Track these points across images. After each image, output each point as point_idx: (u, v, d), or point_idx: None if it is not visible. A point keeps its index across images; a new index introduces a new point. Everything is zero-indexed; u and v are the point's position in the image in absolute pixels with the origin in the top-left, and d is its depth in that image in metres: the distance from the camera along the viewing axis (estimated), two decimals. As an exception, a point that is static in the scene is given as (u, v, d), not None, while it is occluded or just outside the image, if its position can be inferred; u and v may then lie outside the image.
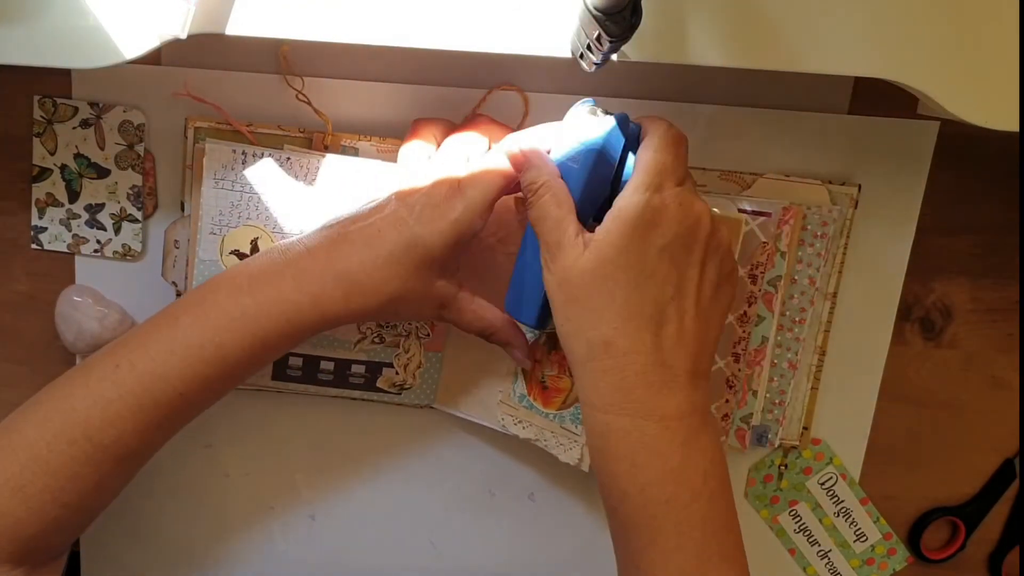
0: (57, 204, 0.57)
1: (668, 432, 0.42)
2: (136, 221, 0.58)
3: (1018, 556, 0.65)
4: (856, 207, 0.57)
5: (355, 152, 0.55)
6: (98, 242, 0.58)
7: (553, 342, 0.55)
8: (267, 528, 0.63)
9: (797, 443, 0.61)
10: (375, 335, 0.58)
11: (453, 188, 0.47)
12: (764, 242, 0.55)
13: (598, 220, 0.44)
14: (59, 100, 0.56)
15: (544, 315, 0.47)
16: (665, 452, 0.42)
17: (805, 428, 0.60)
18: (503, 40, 0.45)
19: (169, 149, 0.56)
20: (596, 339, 0.42)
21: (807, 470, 0.62)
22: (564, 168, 0.46)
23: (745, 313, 0.56)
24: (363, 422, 0.61)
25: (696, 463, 0.43)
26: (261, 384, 0.58)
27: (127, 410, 0.45)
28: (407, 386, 0.59)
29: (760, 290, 0.56)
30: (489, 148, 0.50)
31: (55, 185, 0.57)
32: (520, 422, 0.57)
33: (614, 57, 0.42)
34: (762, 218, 0.55)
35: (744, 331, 0.56)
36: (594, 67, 0.43)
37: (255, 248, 0.54)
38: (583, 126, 0.46)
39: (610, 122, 0.45)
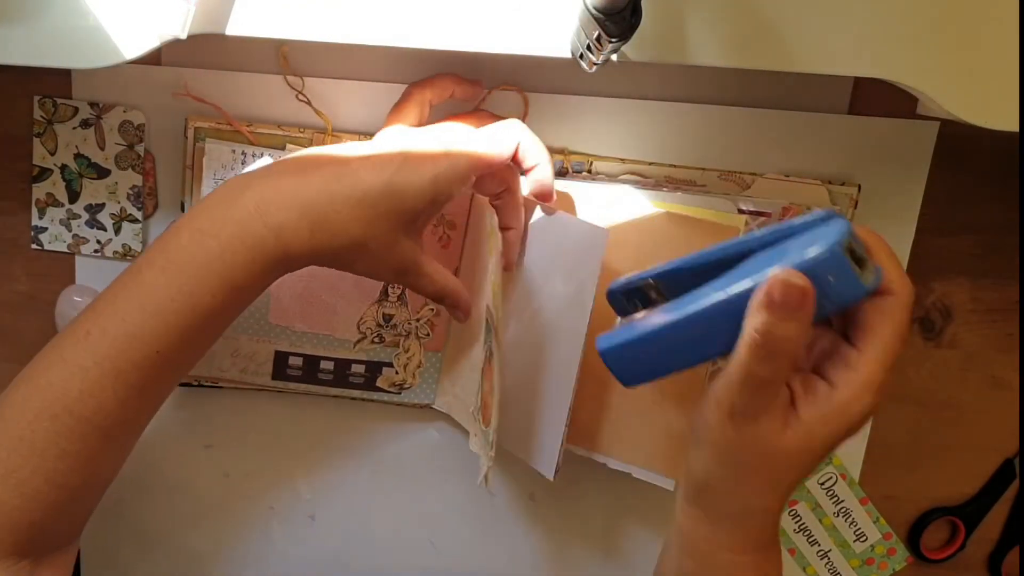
0: (57, 204, 0.57)
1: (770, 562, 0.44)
2: (136, 221, 0.58)
3: (1018, 556, 0.65)
4: (856, 207, 0.57)
5: (355, 152, 0.55)
6: (98, 242, 0.58)
7: (490, 358, 0.54)
8: (267, 528, 0.63)
9: (797, 443, 0.61)
10: (375, 335, 0.58)
11: (441, 148, 0.46)
12: (764, 242, 0.55)
13: None
14: (59, 100, 0.56)
15: (644, 382, 0.42)
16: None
17: (805, 428, 0.60)
18: (503, 40, 0.45)
19: (169, 149, 0.56)
20: (758, 505, 0.42)
21: (807, 470, 0.62)
22: None
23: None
24: (363, 422, 0.61)
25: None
26: (261, 384, 0.58)
27: (105, 377, 0.43)
28: (407, 386, 0.59)
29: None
30: (451, 97, 0.51)
31: (55, 185, 0.57)
32: (474, 435, 0.56)
33: (614, 57, 0.42)
34: (762, 218, 0.55)
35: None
36: (594, 67, 0.43)
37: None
38: (847, 271, 0.36)
39: (874, 282, 0.37)
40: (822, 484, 0.63)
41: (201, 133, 0.55)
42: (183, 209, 0.57)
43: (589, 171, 0.57)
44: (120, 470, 0.48)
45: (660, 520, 0.63)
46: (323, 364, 0.58)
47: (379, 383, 0.59)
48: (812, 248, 0.36)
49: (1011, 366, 0.62)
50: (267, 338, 0.57)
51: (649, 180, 0.56)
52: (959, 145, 0.57)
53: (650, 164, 0.56)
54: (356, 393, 0.59)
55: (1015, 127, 0.46)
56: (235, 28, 0.45)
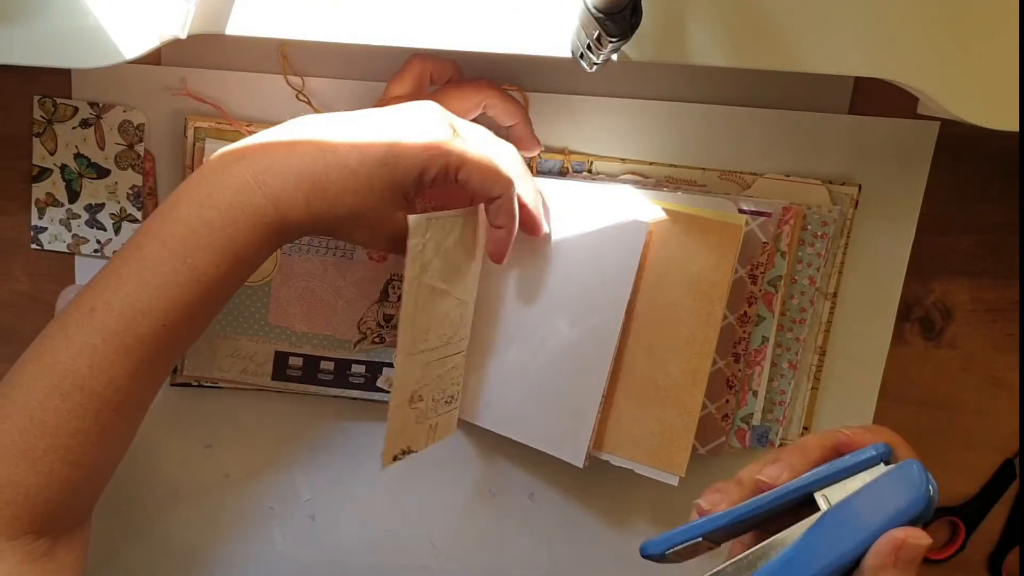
0: (57, 204, 0.57)
1: None
2: (136, 221, 0.58)
3: (1018, 556, 0.65)
4: (856, 207, 0.57)
5: (355, 152, 0.55)
6: (98, 242, 0.58)
7: None
8: (267, 528, 0.63)
9: (797, 443, 0.61)
10: (375, 335, 0.58)
11: (445, 126, 0.46)
12: (764, 242, 0.55)
13: None
14: (59, 100, 0.56)
15: None
16: None
17: (805, 428, 0.60)
18: (503, 40, 0.45)
19: (169, 149, 0.56)
20: None
21: (807, 470, 0.62)
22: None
23: (745, 313, 0.56)
24: (363, 422, 0.61)
25: None
26: (261, 384, 0.58)
27: (113, 352, 0.43)
28: (407, 386, 0.59)
29: (760, 290, 0.56)
30: (484, 111, 0.52)
31: (55, 185, 0.57)
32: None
33: (614, 57, 0.42)
34: (762, 218, 0.55)
35: (744, 331, 0.56)
36: (594, 67, 0.43)
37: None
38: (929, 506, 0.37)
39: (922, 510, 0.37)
40: (822, 484, 0.63)
41: (201, 133, 0.55)
42: (183, 209, 0.57)
43: (589, 171, 0.57)
44: (130, 446, 0.48)
45: (660, 519, 0.63)
46: (323, 364, 0.58)
47: (379, 383, 0.59)
48: (906, 496, 0.37)
49: (1011, 366, 0.62)
50: (267, 338, 0.57)
51: (649, 180, 0.56)
52: (959, 145, 0.57)
53: (650, 164, 0.56)
54: (356, 393, 0.59)
55: (1015, 127, 0.46)
56: (235, 28, 0.45)
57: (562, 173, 0.56)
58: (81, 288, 0.58)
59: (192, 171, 0.55)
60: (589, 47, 0.41)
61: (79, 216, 0.58)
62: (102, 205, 0.57)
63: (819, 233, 0.56)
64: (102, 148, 0.56)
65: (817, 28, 0.44)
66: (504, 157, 0.49)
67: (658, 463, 0.56)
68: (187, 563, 0.64)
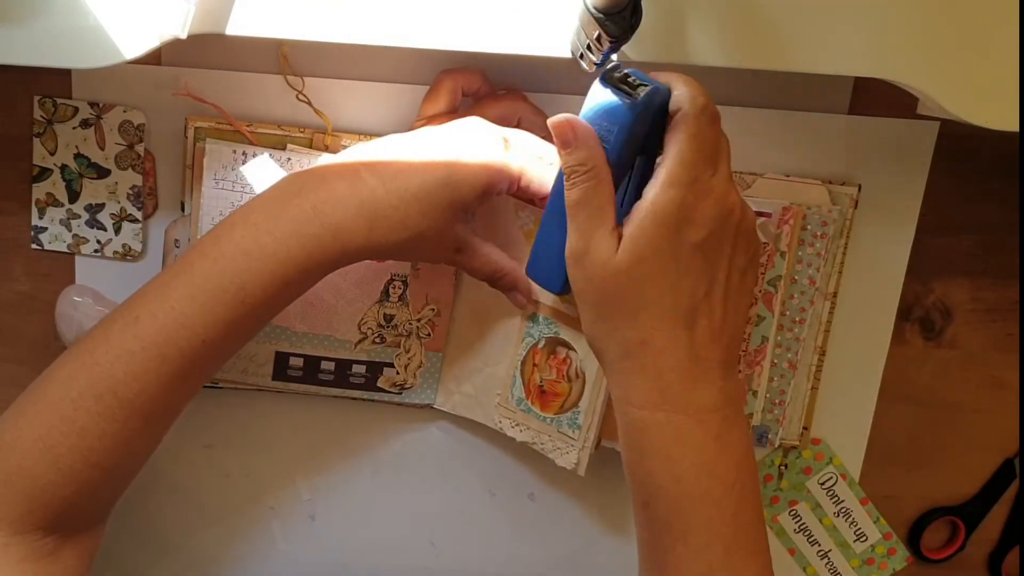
0: (57, 204, 0.57)
1: (702, 425, 0.42)
2: (136, 221, 0.58)
3: (1018, 556, 0.65)
4: (856, 207, 0.57)
5: (355, 152, 0.55)
6: (98, 242, 0.58)
7: (552, 347, 0.55)
8: (267, 528, 0.63)
9: (797, 443, 0.61)
10: (376, 335, 0.58)
11: (497, 139, 0.47)
12: (764, 242, 0.55)
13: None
14: (59, 100, 0.56)
15: (568, 283, 0.45)
16: (700, 446, 0.42)
17: (805, 428, 0.60)
18: (503, 40, 0.45)
19: (169, 149, 0.56)
20: (632, 338, 0.41)
21: (807, 470, 0.62)
22: None
23: (745, 313, 0.56)
24: (363, 422, 0.61)
25: (729, 456, 0.42)
26: (261, 384, 0.58)
27: (151, 361, 0.44)
28: (407, 386, 0.59)
29: (760, 290, 0.56)
30: (517, 125, 0.51)
31: (55, 185, 0.57)
32: (517, 425, 0.57)
33: (614, 57, 0.42)
34: (762, 218, 0.55)
35: (744, 331, 0.56)
36: (594, 67, 0.43)
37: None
38: (613, 101, 0.42)
39: (644, 97, 0.41)
40: (822, 484, 0.63)
41: (201, 133, 0.55)
42: (183, 209, 0.57)
43: (589, 171, 0.57)
44: (152, 455, 0.48)
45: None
46: (324, 364, 0.58)
47: (380, 383, 0.59)
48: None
49: (1011, 366, 0.62)
50: (267, 338, 0.57)
51: (649, 180, 0.56)
52: (959, 145, 0.57)
53: (650, 164, 0.56)
54: (357, 393, 0.59)
55: (1015, 127, 0.46)
56: (235, 28, 0.45)
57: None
58: (81, 288, 0.58)
59: (192, 171, 0.55)
60: (589, 47, 0.41)
61: (79, 216, 0.58)
62: (102, 205, 0.57)
63: (819, 233, 0.56)
64: (102, 148, 0.56)
65: (817, 28, 0.44)
66: (553, 154, 0.49)
67: None
68: (187, 562, 0.64)
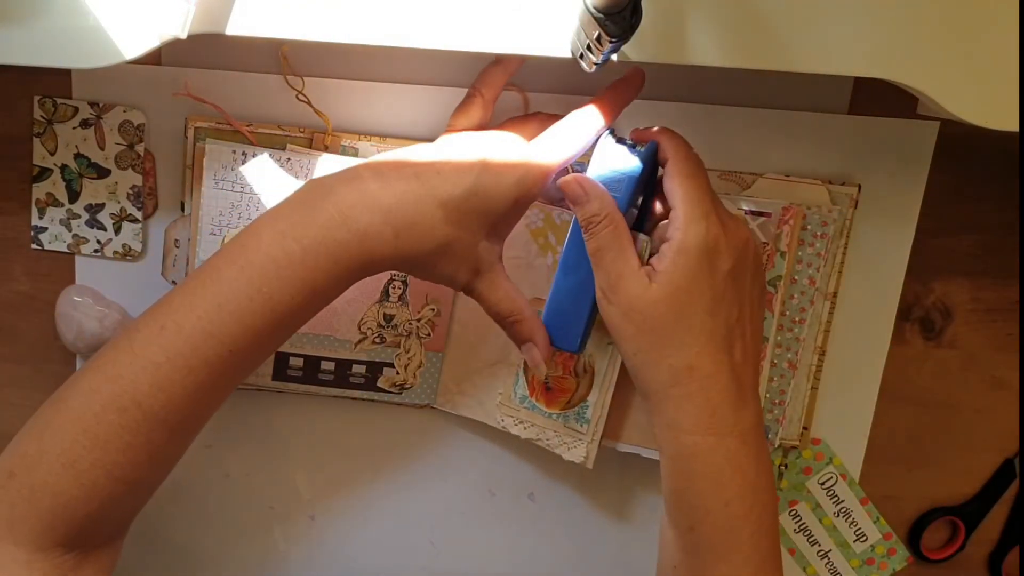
0: (57, 204, 0.57)
1: (746, 446, 0.44)
2: (136, 221, 0.58)
3: (1018, 556, 0.65)
4: (856, 207, 0.57)
5: (355, 152, 0.55)
6: (98, 242, 0.58)
7: None
8: (267, 528, 0.63)
9: (797, 443, 0.61)
10: (376, 335, 0.58)
11: (524, 151, 0.47)
12: (764, 242, 0.55)
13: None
14: (59, 100, 0.56)
15: (585, 340, 0.49)
16: (745, 466, 0.44)
17: (805, 428, 0.60)
18: (503, 40, 0.45)
19: (169, 149, 0.56)
20: (679, 364, 0.44)
21: (807, 470, 0.62)
22: None
23: (745, 313, 0.56)
24: (363, 422, 0.61)
25: (767, 473, 0.45)
26: (261, 384, 0.58)
27: (176, 373, 0.43)
28: (407, 386, 0.59)
29: (760, 290, 0.56)
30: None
31: (55, 185, 0.57)
32: (521, 423, 0.57)
33: (614, 57, 0.42)
34: (762, 218, 0.55)
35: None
36: (594, 67, 0.43)
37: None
38: (619, 156, 0.47)
39: (645, 152, 0.47)
40: (822, 484, 0.63)
41: (201, 133, 0.55)
42: (183, 209, 0.57)
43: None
44: (175, 467, 0.47)
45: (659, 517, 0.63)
46: (324, 365, 0.58)
47: (380, 383, 0.59)
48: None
49: (1011, 366, 0.62)
50: (267, 338, 0.57)
51: (649, 180, 0.56)
52: (959, 145, 0.57)
53: (650, 164, 0.56)
54: (357, 393, 0.59)
55: (1015, 127, 0.46)
56: (235, 28, 0.45)
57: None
58: (81, 288, 0.58)
59: (192, 171, 0.55)
60: (589, 47, 0.41)
61: (79, 216, 0.58)
62: (102, 205, 0.57)
63: (819, 233, 0.56)
64: (102, 148, 0.56)
65: (817, 28, 0.44)
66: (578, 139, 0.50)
67: None
68: (187, 563, 0.64)
